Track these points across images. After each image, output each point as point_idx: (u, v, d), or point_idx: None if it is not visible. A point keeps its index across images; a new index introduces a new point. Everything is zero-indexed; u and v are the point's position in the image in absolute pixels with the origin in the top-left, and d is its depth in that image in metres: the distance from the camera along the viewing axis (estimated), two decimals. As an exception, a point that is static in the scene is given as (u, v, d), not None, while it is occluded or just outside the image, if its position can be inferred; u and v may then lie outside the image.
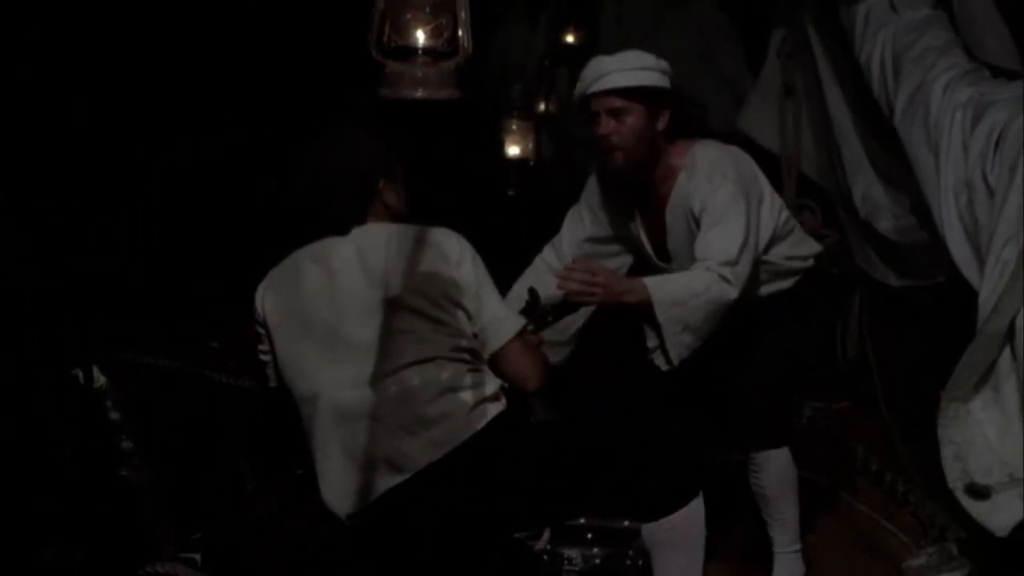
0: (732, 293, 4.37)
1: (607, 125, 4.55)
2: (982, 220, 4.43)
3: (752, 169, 4.71)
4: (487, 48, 7.50)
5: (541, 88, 7.29)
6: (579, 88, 4.63)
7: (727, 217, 4.46)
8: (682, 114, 4.70)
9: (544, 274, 4.91)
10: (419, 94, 3.29)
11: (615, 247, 4.93)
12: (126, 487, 4.26)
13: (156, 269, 5.50)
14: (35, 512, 4.62)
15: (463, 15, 3.26)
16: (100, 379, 4.20)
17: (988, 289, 4.28)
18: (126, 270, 5.38)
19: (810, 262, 4.78)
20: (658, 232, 4.74)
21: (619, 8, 7.24)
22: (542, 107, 7.25)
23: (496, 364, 4.02)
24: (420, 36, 3.27)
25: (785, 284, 4.73)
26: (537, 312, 4.58)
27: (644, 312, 4.37)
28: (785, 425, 4.87)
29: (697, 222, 4.52)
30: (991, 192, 4.42)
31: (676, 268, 4.70)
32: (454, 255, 3.96)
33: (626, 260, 4.94)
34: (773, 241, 4.65)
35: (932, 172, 4.70)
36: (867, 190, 5.37)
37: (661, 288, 4.35)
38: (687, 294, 4.34)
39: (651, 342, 4.44)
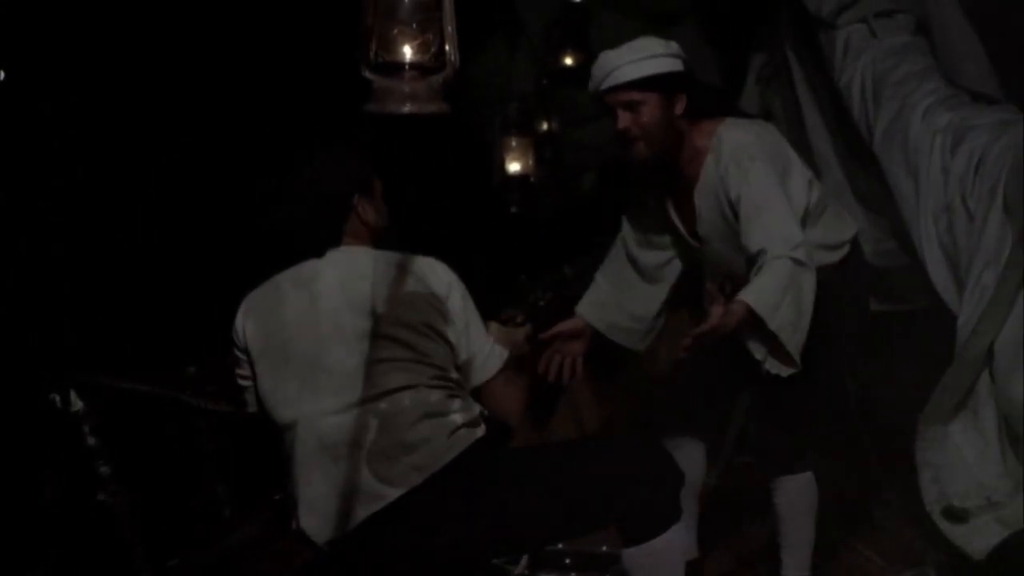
0: (810, 273, 4.34)
1: (624, 119, 4.51)
2: (961, 244, 4.45)
3: (779, 145, 4.61)
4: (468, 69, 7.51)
5: (540, 109, 7.31)
6: (592, 85, 4.58)
7: (770, 199, 4.40)
8: (700, 92, 4.68)
9: (619, 261, 4.95)
10: (407, 109, 3.28)
11: (662, 235, 4.92)
12: (103, 512, 4.25)
13: (133, 290, 5.49)
14: (12, 538, 4.60)
15: (450, 29, 3.26)
16: (77, 404, 4.18)
17: (967, 313, 4.30)
18: (104, 290, 5.37)
19: (845, 249, 4.70)
20: (689, 214, 4.71)
21: (602, 36, 7.27)
22: (544, 126, 7.27)
23: (478, 397, 4.02)
24: (407, 51, 3.27)
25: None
26: (528, 301, 4.58)
27: (749, 328, 4.34)
28: (809, 450, 4.84)
29: (733, 208, 4.49)
30: (971, 216, 4.43)
31: (709, 250, 4.68)
32: (441, 288, 3.95)
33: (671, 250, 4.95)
34: (805, 220, 4.58)
35: (912, 196, 4.71)
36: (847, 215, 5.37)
37: (760, 300, 4.27)
38: (781, 294, 4.27)
39: (759, 354, 4.39)
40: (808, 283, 4.28)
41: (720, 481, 5.70)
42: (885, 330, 5.36)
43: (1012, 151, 4.35)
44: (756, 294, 4.22)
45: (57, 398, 4.20)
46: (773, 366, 4.33)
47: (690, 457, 4.61)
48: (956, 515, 4.16)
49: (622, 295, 4.91)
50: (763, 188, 4.39)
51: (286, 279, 4.00)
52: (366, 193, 4.04)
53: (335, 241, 3.98)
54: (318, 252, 3.97)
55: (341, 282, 3.91)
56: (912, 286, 4.99)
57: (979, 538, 4.11)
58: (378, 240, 4.03)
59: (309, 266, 3.98)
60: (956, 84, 4.91)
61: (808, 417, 4.66)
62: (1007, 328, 4.18)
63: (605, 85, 4.48)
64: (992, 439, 4.16)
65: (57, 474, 4.48)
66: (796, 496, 4.75)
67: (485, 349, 3.99)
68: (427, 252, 4.03)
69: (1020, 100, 4.70)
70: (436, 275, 3.94)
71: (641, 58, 4.46)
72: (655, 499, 3.91)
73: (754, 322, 4.22)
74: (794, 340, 4.25)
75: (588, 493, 3.90)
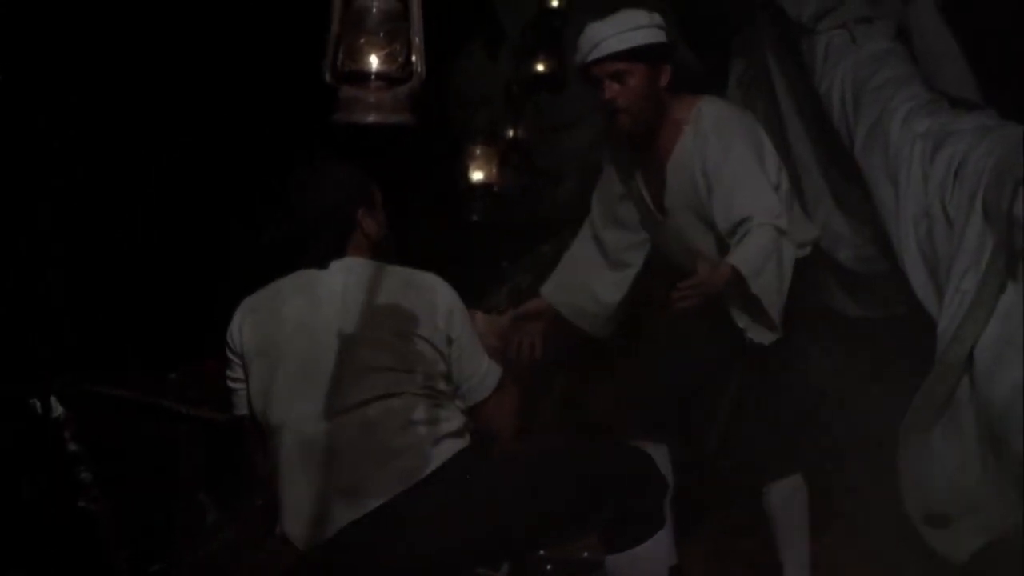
0: (791, 243, 4.41)
1: (611, 89, 4.56)
2: (941, 250, 4.45)
3: (756, 124, 4.73)
4: (448, 76, 7.53)
5: (509, 115, 7.32)
6: (578, 57, 4.63)
7: (751, 172, 4.50)
8: (682, 66, 4.72)
9: (586, 242, 4.98)
10: (371, 119, 3.27)
11: (630, 211, 4.94)
12: (85, 518, 4.24)
13: (116, 295, 5.48)
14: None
15: (417, 40, 3.26)
16: (58, 409, 4.17)
17: (947, 319, 4.30)
18: (87, 295, 5.36)
19: (807, 250, 4.74)
20: (658, 186, 4.74)
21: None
22: (511, 133, 7.29)
23: (472, 414, 4.02)
24: (374, 61, 3.26)
25: None
26: (510, 286, 4.61)
27: (733, 293, 4.37)
28: (796, 451, 4.84)
29: (708, 180, 4.53)
30: (950, 222, 4.44)
31: (672, 223, 4.71)
32: (442, 305, 3.95)
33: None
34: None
35: (892, 202, 4.72)
36: (827, 220, 5.38)
37: (745, 262, 4.34)
38: (764, 259, 4.34)
39: (741, 321, 4.44)
40: (788, 251, 4.40)
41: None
42: (866, 335, 5.39)
43: (992, 157, 4.36)
44: (741, 257, 4.31)
45: (38, 403, 4.18)
46: (756, 333, 4.40)
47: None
48: (938, 521, 4.17)
49: (587, 277, 4.96)
50: (744, 161, 4.49)
51: (287, 284, 4.00)
52: (369, 205, 4.04)
53: (339, 254, 3.98)
54: (322, 264, 3.96)
55: (342, 291, 3.91)
56: (892, 292, 5.00)
57: (960, 544, 4.12)
58: (379, 250, 4.04)
59: (311, 274, 3.97)
60: (936, 89, 4.92)
61: (785, 416, 4.70)
62: (987, 333, 4.19)
63: (592, 56, 4.54)
64: (973, 444, 4.17)
65: (38, 480, 4.47)
66: (790, 498, 4.76)
67: (481, 369, 4.00)
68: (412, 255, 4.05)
69: (999, 105, 4.71)
70: (438, 292, 3.94)
71: (627, 29, 4.53)
72: (639, 506, 3.92)
73: (739, 285, 4.27)
74: (776, 305, 4.33)
75: (571, 501, 3.90)
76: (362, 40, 3.26)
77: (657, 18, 4.63)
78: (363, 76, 3.26)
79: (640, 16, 4.59)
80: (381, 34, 3.26)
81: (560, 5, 6.98)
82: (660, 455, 4.72)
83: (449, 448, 3.83)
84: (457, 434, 3.89)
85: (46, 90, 5.19)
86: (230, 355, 4.01)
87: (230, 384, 4.03)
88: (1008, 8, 4.66)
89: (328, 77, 3.27)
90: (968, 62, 4.98)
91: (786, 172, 4.77)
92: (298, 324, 3.90)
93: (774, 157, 4.68)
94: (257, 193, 4.35)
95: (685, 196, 4.64)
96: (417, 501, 3.76)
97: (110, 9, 5.48)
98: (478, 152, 6.93)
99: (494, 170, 6.93)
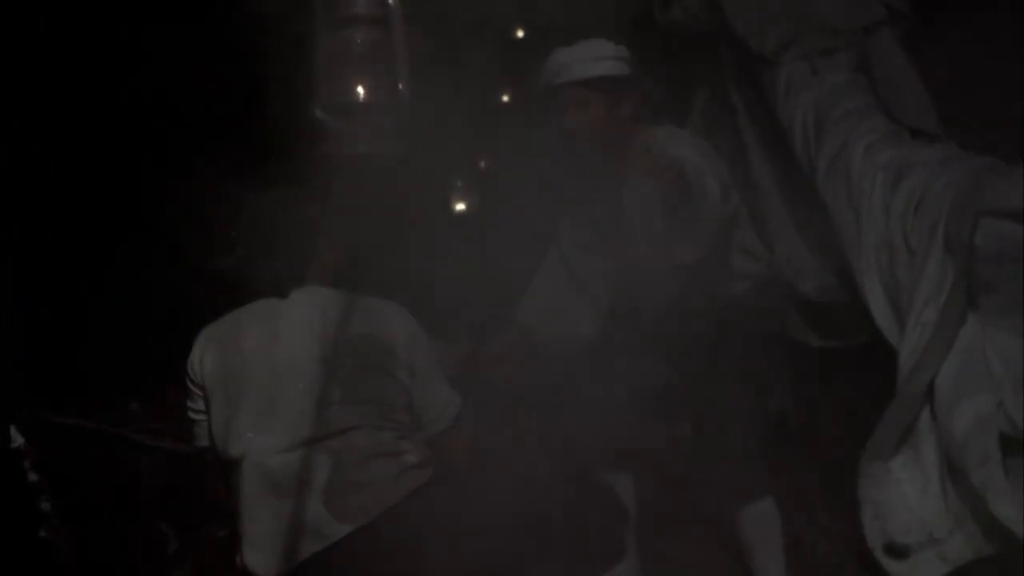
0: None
1: (572, 116, 4.61)
2: (902, 281, 4.47)
3: (707, 148, 4.78)
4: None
5: (476, 145, 7.35)
6: (541, 81, 4.68)
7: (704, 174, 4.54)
8: (649, 99, 4.76)
9: (554, 264, 4.97)
10: (360, 149, 3.28)
11: (592, 235, 4.96)
12: (46, 548, 4.22)
13: (76, 324, 5.46)
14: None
15: (403, 69, 3.26)
16: (18, 439, 4.16)
17: (908, 349, 4.32)
18: (47, 324, 5.33)
19: (750, 282, 4.77)
20: (615, 210, 4.76)
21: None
22: (481, 165, 7.32)
23: (433, 445, 4.02)
24: (360, 92, 3.26)
25: (737, 288, 4.74)
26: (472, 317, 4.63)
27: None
28: (766, 475, 4.85)
29: (659, 202, 4.57)
30: (911, 253, 4.46)
31: (624, 247, 4.74)
32: (402, 335, 3.95)
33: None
34: (733, 223, 4.68)
35: (853, 233, 4.73)
36: (790, 251, 5.39)
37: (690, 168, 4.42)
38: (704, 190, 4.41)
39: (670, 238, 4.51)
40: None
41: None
42: (829, 365, 5.40)
43: (952, 188, 4.38)
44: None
45: (-4, 434, 4.17)
46: (680, 253, 4.43)
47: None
48: (898, 552, 4.17)
49: (557, 302, 4.97)
50: (693, 168, 4.52)
51: (247, 314, 3.99)
52: (328, 234, 4.04)
53: (297, 282, 3.98)
54: (280, 292, 3.96)
55: (301, 322, 3.91)
56: (854, 322, 5.02)
57: (920, 575, 4.13)
58: (339, 279, 4.04)
59: (272, 304, 3.97)
60: (897, 121, 4.95)
61: (744, 435, 4.71)
62: (947, 364, 4.20)
63: (555, 82, 4.58)
64: (933, 475, 4.18)
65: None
66: (760, 520, 4.77)
67: (442, 399, 4.00)
68: (379, 285, 4.04)
69: (960, 137, 4.74)
70: (398, 321, 3.95)
71: (590, 59, 4.60)
72: (600, 537, 3.92)
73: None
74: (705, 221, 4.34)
75: (532, 532, 3.90)
76: (348, 71, 3.26)
77: (623, 50, 4.68)
78: (349, 107, 3.26)
79: (606, 47, 4.64)
80: (367, 64, 3.27)
81: (525, 36, 7.00)
82: (622, 483, 4.74)
83: (411, 481, 3.83)
84: (419, 467, 3.89)
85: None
86: (191, 386, 4.00)
87: (191, 415, 4.03)
88: (968, 40, 4.69)
89: (315, 109, 3.26)
90: (929, 94, 5.01)
91: (737, 193, 4.82)
92: (259, 355, 3.89)
93: (725, 176, 4.74)
94: (218, 220, 4.35)
95: (638, 218, 4.68)
96: (379, 534, 3.75)
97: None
98: (459, 182, 6.97)
99: (476, 200, 6.97)
